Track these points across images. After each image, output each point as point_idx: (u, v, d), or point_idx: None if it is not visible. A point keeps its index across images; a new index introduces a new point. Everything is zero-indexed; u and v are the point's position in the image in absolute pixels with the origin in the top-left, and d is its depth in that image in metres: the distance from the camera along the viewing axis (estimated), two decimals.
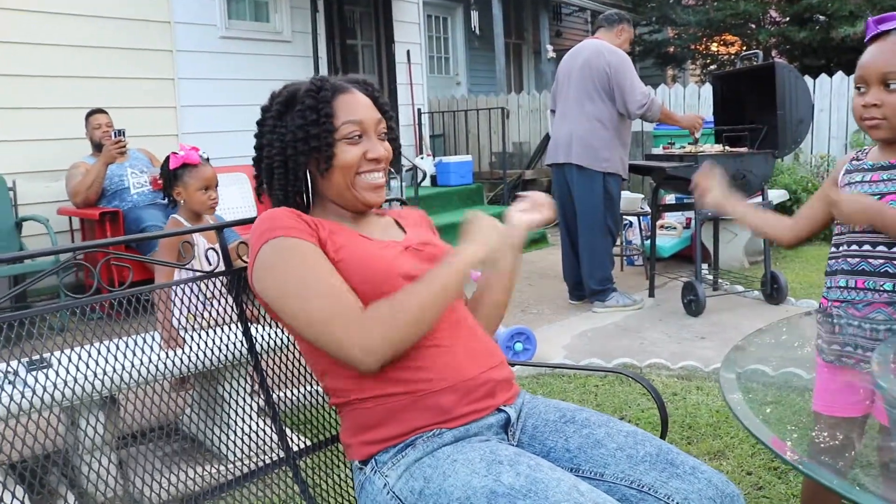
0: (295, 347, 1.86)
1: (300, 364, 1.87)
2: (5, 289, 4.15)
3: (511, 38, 12.54)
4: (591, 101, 4.47)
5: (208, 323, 1.95)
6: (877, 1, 9.16)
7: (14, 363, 1.66)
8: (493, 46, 10.66)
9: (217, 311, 1.86)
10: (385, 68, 7.98)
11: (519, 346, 3.66)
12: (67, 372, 1.55)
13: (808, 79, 6.86)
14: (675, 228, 5.76)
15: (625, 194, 5.27)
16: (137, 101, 5.41)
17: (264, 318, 1.81)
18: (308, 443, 1.85)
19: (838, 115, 7.15)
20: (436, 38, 10.88)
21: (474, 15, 10.78)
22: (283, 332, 1.78)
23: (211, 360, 1.89)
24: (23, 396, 1.66)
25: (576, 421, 1.41)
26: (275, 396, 1.78)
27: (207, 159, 2.81)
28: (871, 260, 1.59)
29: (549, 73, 11.53)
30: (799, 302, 4.54)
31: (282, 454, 1.73)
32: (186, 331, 2.16)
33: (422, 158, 7.82)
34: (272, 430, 1.76)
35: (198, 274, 1.78)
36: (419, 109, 8.12)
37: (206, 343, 1.83)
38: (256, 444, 1.82)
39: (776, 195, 5.77)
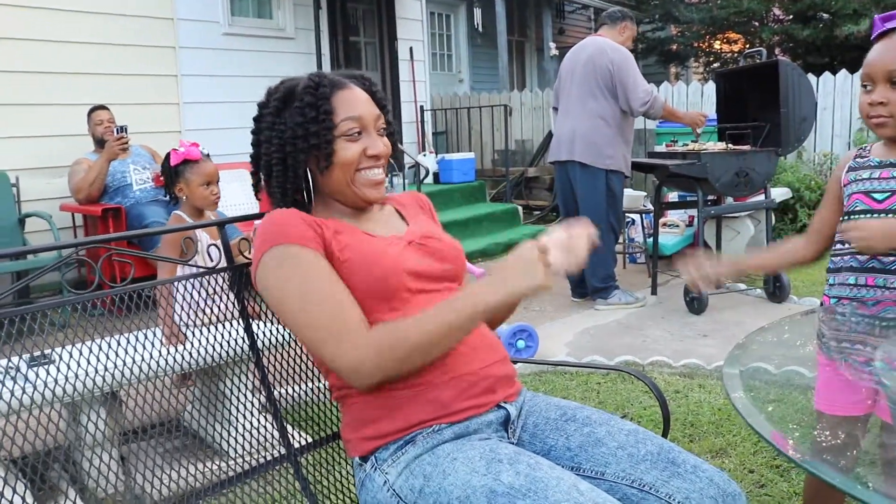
0: (297, 344, 1.87)
1: (302, 361, 1.87)
2: (8, 285, 4.15)
3: (514, 36, 12.52)
4: (594, 98, 4.46)
5: (210, 319, 1.95)
6: None
7: (16, 359, 1.66)
8: (495, 44, 10.65)
9: (219, 307, 1.86)
10: (388, 65, 7.98)
11: (521, 344, 3.66)
12: (69, 368, 1.55)
13: (811, 77, 6.85)
14: (677, 226, 5.76)
15: (627, 192, 5.26)
16: (140, 98, 5.42)
17: (266, 314, 1.81)
18: (309, 440, 1.85)
19: (841, 113, 7.13)
20: (438, 36, 10.86)
21: (477, 12, 10.76)
22: (284, 329, 1.78)
23: (213, 357, 1.89)
24: (24, 392, 1.66)
25: (577, 419, 1.40)
26: (276, 393, 1.78)
27: (207, 155, 2.81)
28: (881, 257, 1.59)
29: (551, 71, 11.52)
30: (801, 300, 4.53)
31: (283, 451, 1.73)
32: (188, 327, 2.16)
33: (424, 156, 7.81)
34: (273, 427, 1.76)
35: (200, 270, 1.78)
36: (422, 107, 8.12)
37: (207, 339, 1.83)
38: (258, 440, 1.82)
39: (779, 193, 5.76)
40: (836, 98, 7.16)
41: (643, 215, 5.69)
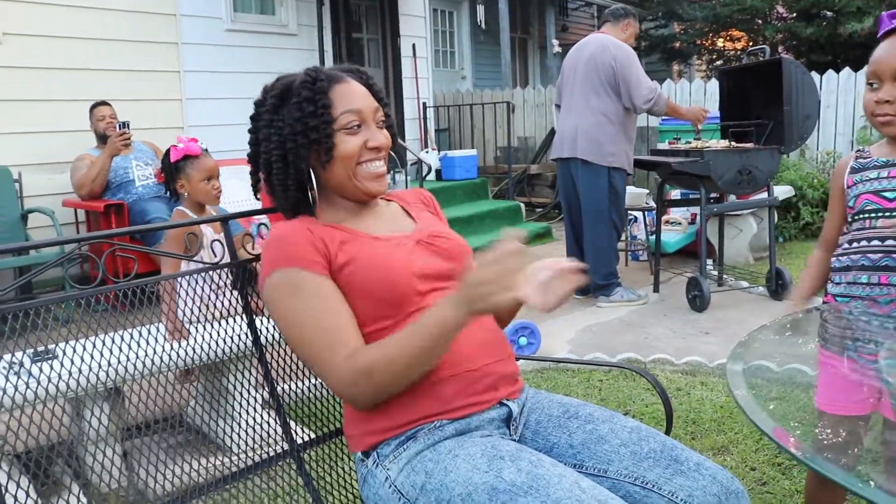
0: None
1: None
2: (11, 280, 4.16)
3: (517, 33, 12.50)
4: (597, 95, 4.46)
5: (213, 315, 1.96)
6: None
7: (20, 354, 1.67)
8: (498, 41, 10.63)
9: (222, 302, 1.87)
10: (390, 62, 7.97)
11: (523, 341, 3.66)
12: (73, 363, 1.55)
13: (814, 75, 6.83)
14: (680, 224, 5.76)
15: (630, 189, 5.26)
16: (142, 94, 5.42)
17: None
18: (312, 435, 1.86)
19: (845, 111, 7.12)
20: (441, 33, 10.85)
21: (480, 9, 10.74)
22: None
23: (216, 352, 1.89)
24: (28, 387, 1.67)
25: (579, 416, 1.40)
26: (279, 389, 1.78)
27: (206, 150, 2.82)
28: (895, 255, 1.58)
29: (554, 68, 11.50)
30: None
31: (286, 446, 1.73)
32: (192, 322, 2.17)
33: (427, 152, 7.81)
34: (276, 423, 1.76)
35: (203, 265, 1.78)
36: (424, 103, 8.11)
37: (210, 335, 1.84)
38: (261, 436, 1.83)
39: (782, 191, 5.75)
40: (840, 96, 7.15)
41: (645, 213, 5.69)
